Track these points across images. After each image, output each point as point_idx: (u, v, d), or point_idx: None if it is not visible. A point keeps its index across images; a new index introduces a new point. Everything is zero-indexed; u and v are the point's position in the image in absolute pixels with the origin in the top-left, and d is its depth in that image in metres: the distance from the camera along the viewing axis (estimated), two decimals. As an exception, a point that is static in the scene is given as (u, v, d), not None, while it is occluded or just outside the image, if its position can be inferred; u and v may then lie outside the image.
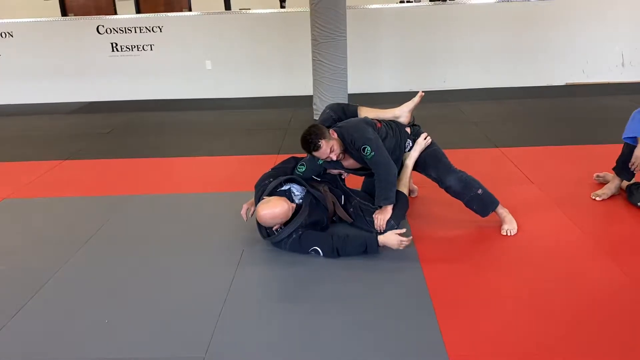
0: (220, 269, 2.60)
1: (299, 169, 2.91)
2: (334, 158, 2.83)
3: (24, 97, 7.28)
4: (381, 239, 2.63)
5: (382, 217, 2.79)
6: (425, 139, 3.00)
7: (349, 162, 2.97)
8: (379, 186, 2.83)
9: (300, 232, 2.68)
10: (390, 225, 2.77)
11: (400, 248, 2.61)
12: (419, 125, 3.15)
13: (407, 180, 2.99)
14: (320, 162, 2.89)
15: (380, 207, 2.84)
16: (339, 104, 3.21)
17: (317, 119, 5.50)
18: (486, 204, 2.89)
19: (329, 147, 2.79)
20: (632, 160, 3.06)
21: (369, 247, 2.63)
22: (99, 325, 2.19)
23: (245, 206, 2.95)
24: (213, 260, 2.71)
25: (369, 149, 2.76)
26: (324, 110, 3.14)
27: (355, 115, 3.09)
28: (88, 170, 4.31)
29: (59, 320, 2.25)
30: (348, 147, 2.85)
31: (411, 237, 2.69)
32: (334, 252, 2.64)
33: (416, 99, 3.10)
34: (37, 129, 5.82)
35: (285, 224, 2.70)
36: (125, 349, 2.04)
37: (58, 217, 3.37)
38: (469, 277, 2.48)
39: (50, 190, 3.85)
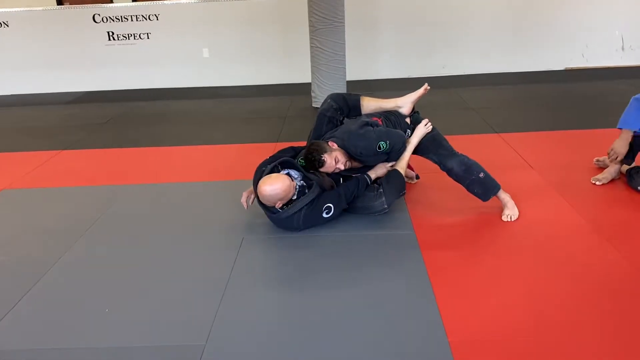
0: (221, 257, 2.60)
1: (300, 163, 2.90)
2: (342, 168, 2.85)
3: (20, 87, 7.24)
4: (370, 172, 2.90)
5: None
6: (425, 125, 2.98)
7: (355, 164, 2.98)
8: (393, 157, 2.93)
9: (312, 204, 2.72)
10: (382, 208, 2.81)
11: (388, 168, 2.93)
12: (418, 112, 3.13)
13: (405, 164, 2.98)
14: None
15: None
16: (339, 94, 3.18)
17: (315, 106, 5.52)
18: (488, 188, 2.89)
19: (333, 159, 2.81)
20: (608, 151, 3.11)
21: (361, 181, 2.82)
22: (100, 314, 2.19)
23: (245, 194, 2.94)
24: (213, 248, 2.71)
25: (383, 143, 2.80)
26: (325, 100, 3.11)
27: (357, 104, 3.07)
28: (86, 160, 4.30)
29: (59, 309, 2.25)
30: (355, 156, 2.88)
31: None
32: (341, 198, 2.77)
33: (420, 91, 3.07)
34: (35, 120, 5.79)
35: (288, 203, 2.69)
36: (126, 338, 2.04)
37: (57, 207, 3.36)
38: (469, 262, 2.48)
39: (49, 180, 3.84)
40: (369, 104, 3.07)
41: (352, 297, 2.22)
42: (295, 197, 2.71)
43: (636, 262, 2.37)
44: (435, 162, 2.94)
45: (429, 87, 3.07)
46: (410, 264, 2.46)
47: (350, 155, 2.88)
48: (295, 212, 2.69)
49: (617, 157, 3.08)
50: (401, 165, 2.94)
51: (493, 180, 2.90)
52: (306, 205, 2.69)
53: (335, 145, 2.85)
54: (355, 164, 2.96)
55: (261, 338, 2.01)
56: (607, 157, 3.38)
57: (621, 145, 3.06)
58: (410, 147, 2.97)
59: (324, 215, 2.74)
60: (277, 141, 4.40)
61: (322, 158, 2.78)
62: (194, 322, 2.11)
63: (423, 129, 2.97)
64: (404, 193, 2.92)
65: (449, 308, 2.11)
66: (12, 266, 2.64)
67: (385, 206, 2.79)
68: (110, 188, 3.59)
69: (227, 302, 2.23)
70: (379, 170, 2.92)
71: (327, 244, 2.67)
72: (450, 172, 2.90)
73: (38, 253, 2.74)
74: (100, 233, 2.95)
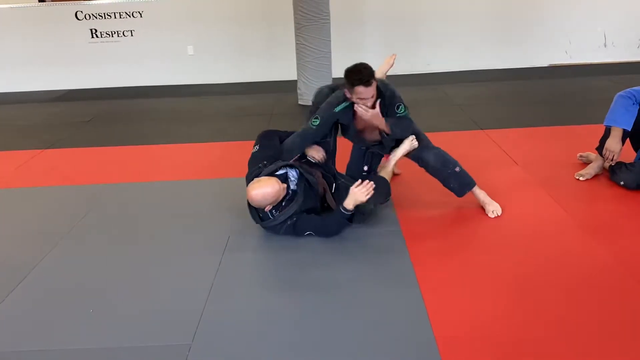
0: (206, 256, 2.59)
1: (313, 122, 2.88)
2: (369, 104, 2.75)
3: (1, 85, 7.12)
4: (346, 203, 2.59)
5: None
6: (412, 141, 2.93)
7: (372, 135, 2.96)
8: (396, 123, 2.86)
9: (294, 219, 2.67)
10: (369, 209, 2.75)
11: (369, 197, 2.57)
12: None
13: (390, 170, 2.99)
14: (337, 110, 2.85)
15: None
16: (329, 86, 3.17)
17: (301, 103, 5.50)
18: (463, 183, 2.90)
19: (375, 89, 2.74)
20: (604, 152, 3.10)
21: (342, 222, 2.66)
22: (84, 315, 2.17)
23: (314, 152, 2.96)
24: (198, 248, 2.69)
25: (402, 107, 2.84)
26: (321, 90, 3.11)
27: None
28: (69, 159, 4.25)
29: (43, 311, 2.22)
30: (384, 101, 2.83)
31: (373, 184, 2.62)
32: (320, 233, 2.71)
33: (390, 61, 3.13)
34: (16, 118, 5.71)
35: (278, 206, 2.68)
36: (111, 339, 2.02)
37: (40, 207, 3.31)
38: (454, 258, 2.49)
39: (31, 179, 3.78)
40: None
41: (339, 295, 2.22)
42: (284, 204, 2.69)
43: (620, 256, 2.40)
44: (412, 156, 2.95)
45: (396, 55, 3.04)
46: (397, 260, 2.47)
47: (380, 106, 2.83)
48: (279, 224, 2.68)
49: (613, 156, 3.06)
50: (386, 172, 2.96)
51: (469, 176, 2.91)
52: (289, 218, 2.67)
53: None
54: (371, 136, 2.95)
55: (247, 337, 2.00)
56: (590, 152, 3.42)
57: (614, 143, 3.05)
58: (396, 157, 2.96)
59: (305, 234, 2.72)
60: (263, 139, 4.37)
61: (372, 80, 2.69)
62: (180, 321, 2.09)
63: (409, 144, 2.93)
64: (389, 199, 2.94)
65: (435, 304, 2.12)
66: (-6, 267, 2.60)
67: (372, 206, 2.77)
68: (94, 187, 3.55)
69: (213, 301, 2.22)
70: (356, 197, 2.62)
71: (314, 242, 2.67)
72: (427, 166, 2.91)
73: (20, 253, 2.70)
74: (84, 233, 2.91)
